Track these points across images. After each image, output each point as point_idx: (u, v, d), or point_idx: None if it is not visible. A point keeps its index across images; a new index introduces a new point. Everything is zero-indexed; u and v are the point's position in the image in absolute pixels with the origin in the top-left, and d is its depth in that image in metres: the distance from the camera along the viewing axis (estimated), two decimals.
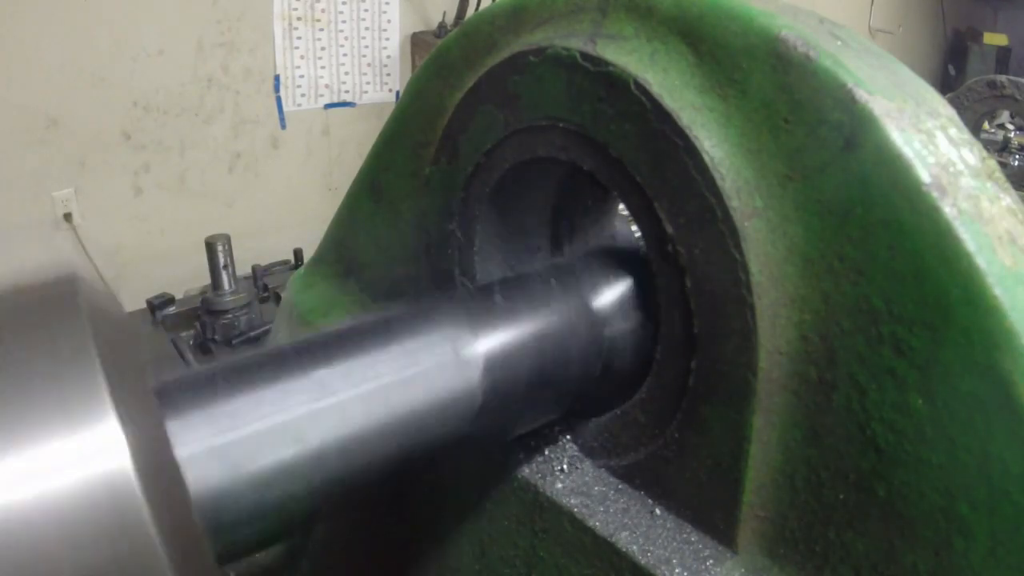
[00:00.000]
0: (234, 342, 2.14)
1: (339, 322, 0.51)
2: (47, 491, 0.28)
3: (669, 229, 0.49)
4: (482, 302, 0.54)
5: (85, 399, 0.30)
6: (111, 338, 0.33)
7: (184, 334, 2.21)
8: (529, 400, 0.54)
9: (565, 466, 0.59)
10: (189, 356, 2.06)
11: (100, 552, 0.28)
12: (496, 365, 0.50)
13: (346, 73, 3.46)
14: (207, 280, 2.28)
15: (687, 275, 0.49)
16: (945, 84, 5.39)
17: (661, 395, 0.53)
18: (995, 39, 5.71)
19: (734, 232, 0.46)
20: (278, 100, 3.31)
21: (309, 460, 0.41)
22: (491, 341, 0.51)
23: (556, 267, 0.60)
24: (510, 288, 0.56)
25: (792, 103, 0.45)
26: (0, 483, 0.28)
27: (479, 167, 0.62)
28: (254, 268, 2.56)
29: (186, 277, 2.78)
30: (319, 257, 0.90)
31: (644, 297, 0.57)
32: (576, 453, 0.60)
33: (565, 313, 0.55)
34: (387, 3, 3.47)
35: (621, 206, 0.67)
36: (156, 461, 0.31)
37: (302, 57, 3.31)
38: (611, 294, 0.58)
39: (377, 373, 0.46)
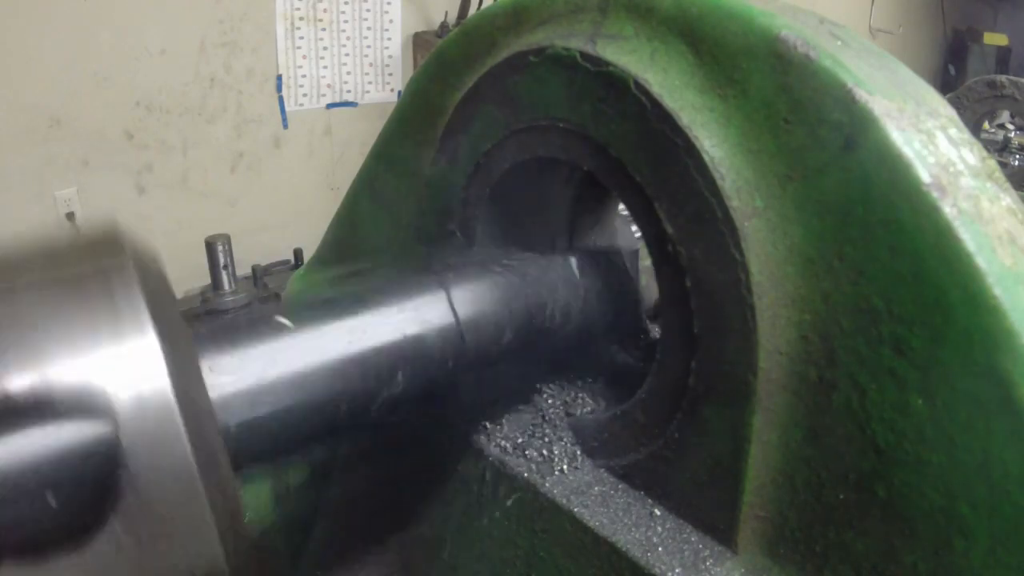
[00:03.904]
0: None
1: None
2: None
3: (669, 229, 0.49)
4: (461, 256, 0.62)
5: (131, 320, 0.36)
6: (149, 274, 0.39)
7: None
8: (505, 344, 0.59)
9: (565, 466, 0.59)
10: None
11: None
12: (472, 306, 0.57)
13: (348, 73, 3.46)
14: (208, 280, 2.28)
15: (687, 275, 0.49)
16: (945, 84, 5.37)
17: (661, 395, 0.53)
18: (995, 39, 5.70)
19: (734, 232, 0.46)
20: (280, 100, 3.31)
21: (318, 372, 0.49)
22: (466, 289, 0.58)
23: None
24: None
25: (792, 103, 0.45)
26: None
27: (479, 167, 0.62)
28: (254, 268, 2.56)
29: (187, 276, 2.78)
30: (319, 257, 0.90)
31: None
32: (576, 453, 0.60)
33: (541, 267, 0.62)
34: (389, 3, 3.47)
35: (621, 206, 0.67)
36: (188, 377, 0.37)
37: (304, 57, 3.32)
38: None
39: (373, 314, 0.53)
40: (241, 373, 0.46)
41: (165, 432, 0.35)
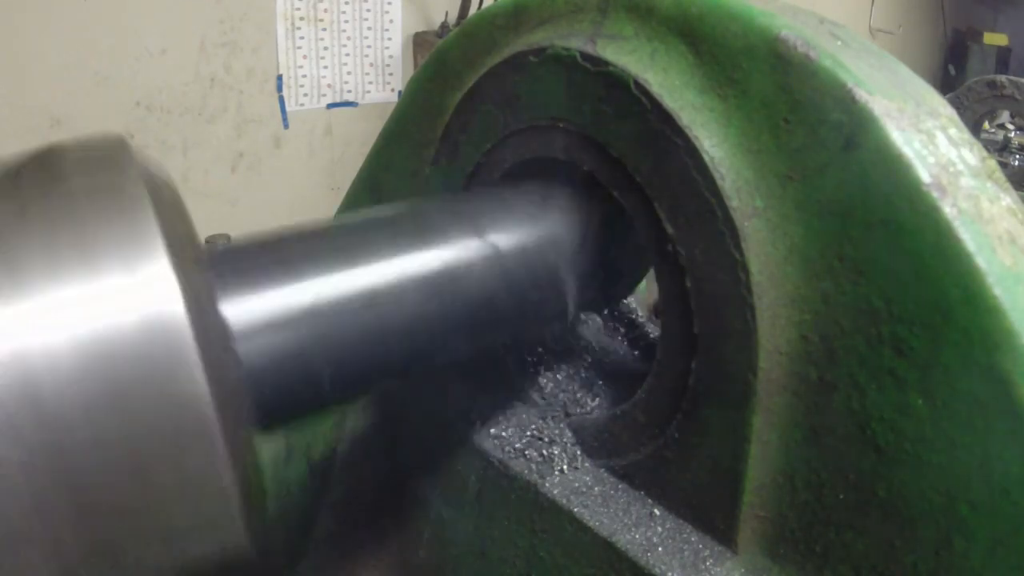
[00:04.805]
0: None
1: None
2: (106, 323, 0.29)
3: (669, 229, 0.49)
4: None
5: (142, 244, 0.31)
6: (160, 193, 0.34)
7: None
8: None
9: (565, 466, 0.59)
10: None
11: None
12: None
13: (348, 73, 3.46)
14: None
15: (687, 275, 0.49)
16: (945, 84, 5.38)
17: (661, 395, 0.53)
18: (995, 39, 5.71)
19: (734, 232, 0.46)
20: (281, 100, 3.31)
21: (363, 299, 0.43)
22: None
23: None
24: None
25: (792, 103, 0.45)
26: (64, 310, 0.29)
27: (479, 167, 0.62)
28: None
29: None
30: None
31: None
32: (576, 453, 0.60)
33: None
34: (389, 3, 3.47)
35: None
36: (203, 309, 0.32)
37: (305, 57, 3.32)
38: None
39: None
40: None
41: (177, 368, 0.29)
